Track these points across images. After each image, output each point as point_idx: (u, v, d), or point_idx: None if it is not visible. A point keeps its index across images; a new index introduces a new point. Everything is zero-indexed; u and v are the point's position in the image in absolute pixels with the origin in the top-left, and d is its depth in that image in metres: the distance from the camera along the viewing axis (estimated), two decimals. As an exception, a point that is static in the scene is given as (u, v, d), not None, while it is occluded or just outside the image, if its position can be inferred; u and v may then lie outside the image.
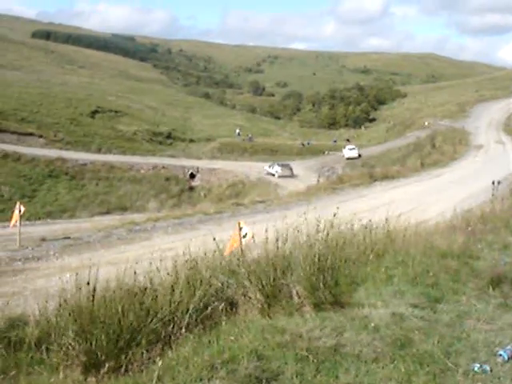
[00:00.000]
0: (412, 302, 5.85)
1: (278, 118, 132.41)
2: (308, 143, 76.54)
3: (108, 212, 38.23)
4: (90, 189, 46.09)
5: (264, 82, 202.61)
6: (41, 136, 60.64)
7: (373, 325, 5.12)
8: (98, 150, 59.20)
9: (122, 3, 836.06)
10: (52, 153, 53.03)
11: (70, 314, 4.85)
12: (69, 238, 15.90)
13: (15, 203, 16.03)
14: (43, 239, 15.49)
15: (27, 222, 20.66)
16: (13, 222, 15.40)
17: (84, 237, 16.13)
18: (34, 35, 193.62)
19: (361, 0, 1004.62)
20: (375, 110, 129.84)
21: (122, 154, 58.98)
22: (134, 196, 44.78)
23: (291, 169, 52.54)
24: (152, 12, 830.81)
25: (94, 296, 4.88)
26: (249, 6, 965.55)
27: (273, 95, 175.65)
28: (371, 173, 36.61)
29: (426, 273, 7.00)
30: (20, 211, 14.87)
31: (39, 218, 30.66)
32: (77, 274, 5.22)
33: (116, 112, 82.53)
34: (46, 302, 5.64)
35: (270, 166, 53.77)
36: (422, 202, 21.82)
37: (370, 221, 9.12)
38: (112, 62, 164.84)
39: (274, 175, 51.83)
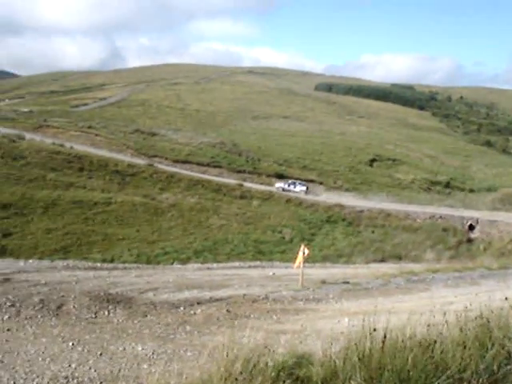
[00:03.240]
0: None
1: None
2: None
3: (383, 260, 38.14)
4: (365, 235, 46.58)
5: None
6: (321, 183, 63.70)
7: None
8: (375, 198, 59.92)
9: (407, 53, 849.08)
10: (331, 199, 55.20)
11: (358, 359, 4.83)
12: (348, 282, 16.18)
13: (296, 245, 16.84)
14: (323, 282, 15.99)
15: (307, 264, 21.57)
16: (297, 263, 16.18)
17: (362, 283, 16.28)
18: (317, 88, 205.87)
19: None
20: None
21: (399, 202, 58.69)
22: (409, 245, 43.97)
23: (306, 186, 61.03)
24: (436, 60, 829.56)
25: (384, 343, 4.81)
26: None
27: None
28: None
29: None
30: (304, 253, 15.59)
31: (316, 261, 31.79)
32: (363, 319, 5.23)
33: (394, 160, 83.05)
34: (331, 343, 5.72)
35: (288, 185, 60.15)
36: None
37: None
38: (390, 112, 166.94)
39: (297, 192, 58.79)
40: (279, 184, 60.58)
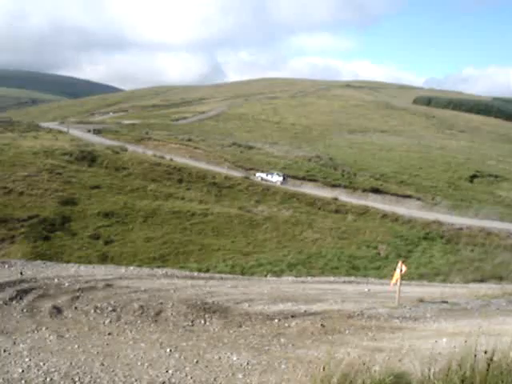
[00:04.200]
0: None
1: None
2: None
3: (482, 280, 36.58)
4: (464, 254, 44.91)
5: None
6: (418, 198, 62.09)
7: None
8: (475, 215, 57.67)
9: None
10: (429, 215, 53.71)
11: (461, 381, 4.68)
12: (446, 302, 15.65)
13: (391, 262, 16.47)
14: (421, 300, 15.55)
15: (403, 282, 21.07)
16: (393, 280, 15.85)
17: (461, 303, 15.69)
18: (416, 101, 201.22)
19: None
20: None
21: (500, 220, 56.30)
22: (511, 266, 42.06)
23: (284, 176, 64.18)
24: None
25: (489, 365, 4.64)
26: None
27: None
28: None
29: None
30: (401, 270, 15.24)
31: (412, 279, 30.96)
32: (465, 341, 5.07)
33: (496, 177, 79.69)
34: (429, 364, 5.57)
35: (266, 175, 63.80)
36: None
37: None
38: (492, 126, 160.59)
39: (274, 182, 62.30)
40: (259, 174, 64.40)
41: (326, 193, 58.98)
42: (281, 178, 63.47)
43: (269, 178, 63.64)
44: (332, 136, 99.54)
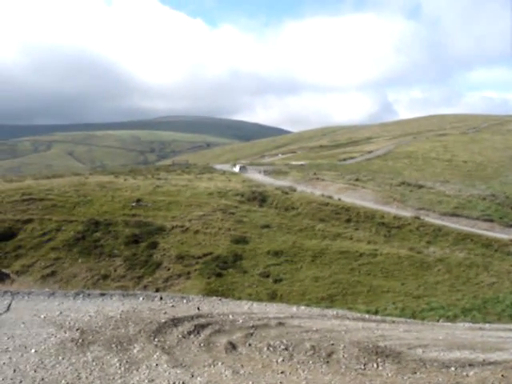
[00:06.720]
0: None
1: None
2: None
3: None
4: None
5: None
6: None
7: None
8: None
9: None
10: None
11: None
12: None
13: None
14: None
15: None
16: None
17: None
18: None
19: None
20: None
21: None
22: None
23: (242, 167, 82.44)
24: None
25: None
26: None
27: None
28: None
29: None
30: None
31: None
32: None
33: None
34: None
35: (233, 166, 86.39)
36: None
37: None
38: None
39: (236, 171, 79.24)
40: (234, 168, 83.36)
41: (504, 234, 55.40)
42: (238, 168, 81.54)
43: (233, 169, 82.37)
44: (508, 173, 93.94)
